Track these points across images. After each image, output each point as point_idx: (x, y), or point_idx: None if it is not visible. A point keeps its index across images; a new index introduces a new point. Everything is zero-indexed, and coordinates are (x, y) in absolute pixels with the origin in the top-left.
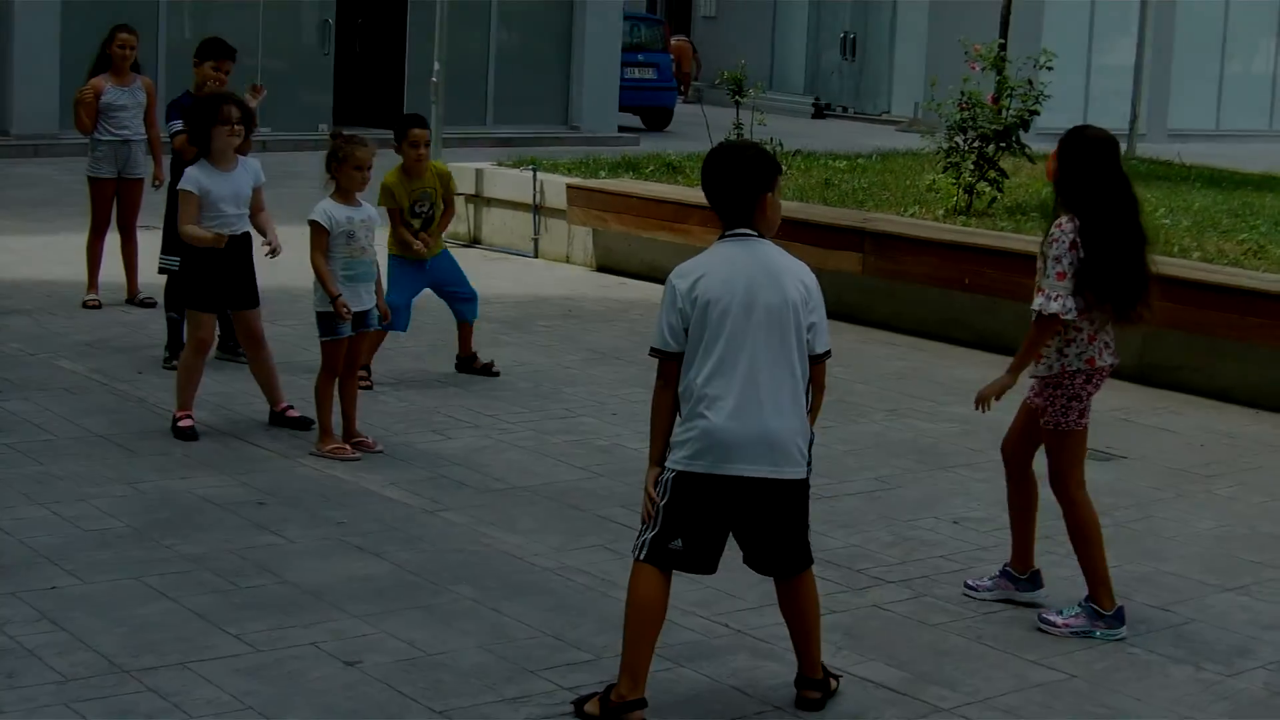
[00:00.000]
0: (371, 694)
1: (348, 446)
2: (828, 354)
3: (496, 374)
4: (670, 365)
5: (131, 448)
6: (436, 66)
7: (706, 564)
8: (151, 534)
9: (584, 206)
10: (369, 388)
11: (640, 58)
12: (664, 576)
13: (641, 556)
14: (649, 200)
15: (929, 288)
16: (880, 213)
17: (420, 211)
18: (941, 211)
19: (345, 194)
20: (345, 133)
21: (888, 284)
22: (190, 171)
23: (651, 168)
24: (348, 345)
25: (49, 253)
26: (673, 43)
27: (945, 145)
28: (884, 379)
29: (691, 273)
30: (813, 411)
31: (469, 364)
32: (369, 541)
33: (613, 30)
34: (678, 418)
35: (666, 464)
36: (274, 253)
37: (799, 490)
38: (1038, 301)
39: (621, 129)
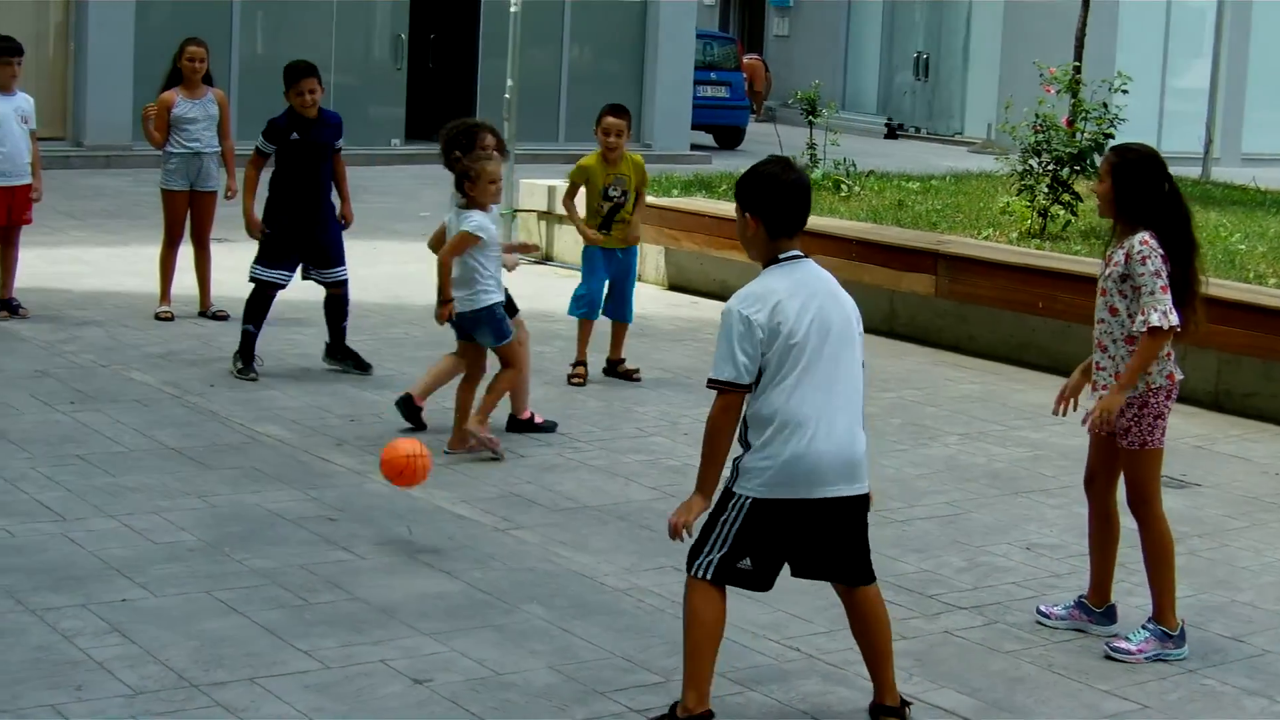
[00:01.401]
0: (441, 713)
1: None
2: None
3: (638, 379)
4: (738, 397)
5: (203, 461)
6: (510, 83)
7: (768, 582)
8: (222, 548)
9: (656, 225)
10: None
11: (713, 76)
12: (723, 593)
13: (708, 576)
14: (722, 219)
15: (1002, 311)
16: (954, 235)
17: (613, 195)
18: (1015, 234)
19: (484, 208)
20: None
21: (960, 306)
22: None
23: (724, 187)
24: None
25: (121, 264)
26: (745, 61)
27: (1019, 168)
28: (955, 402)
29: (765, 300)
30: None
31: (615, 368)
32: (439, 559)
33: (686, 48)
34: (749, 444)
35: (738, 489)
36: None
37: (866, 502)
38: (1154, 316)
39: (694, 147)
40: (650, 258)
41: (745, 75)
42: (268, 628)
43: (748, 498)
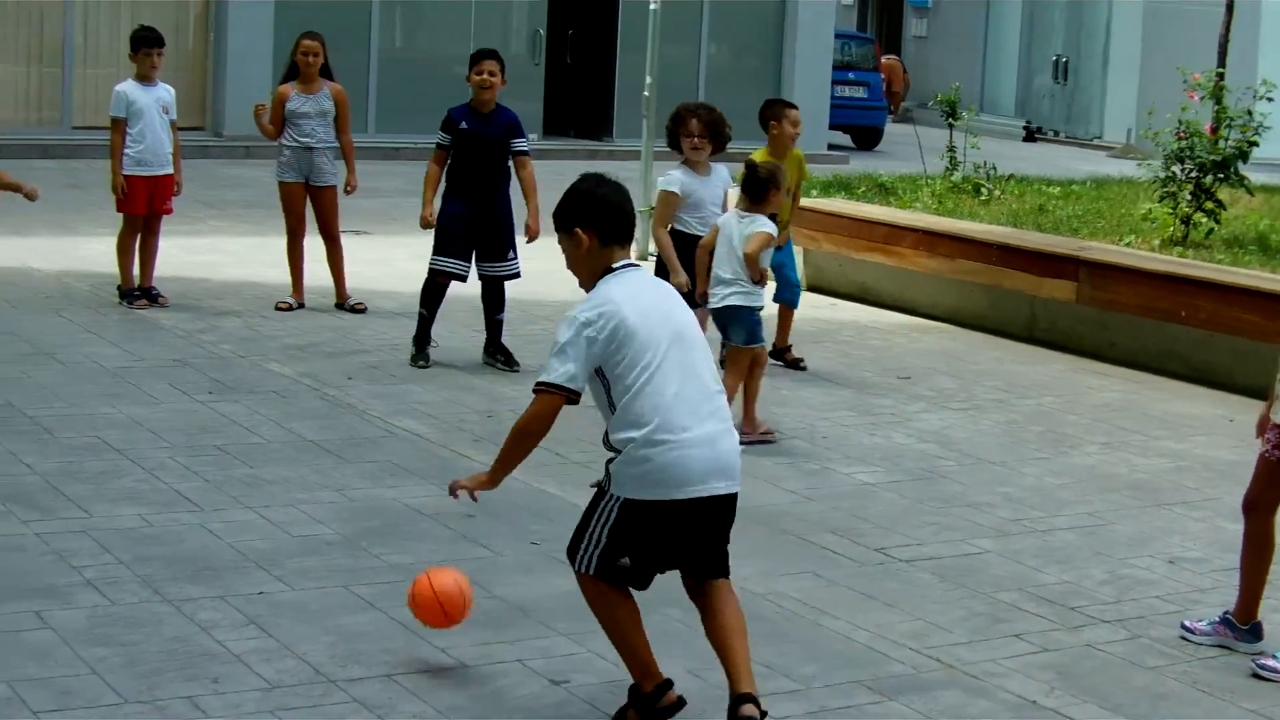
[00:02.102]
0: (578, 714)
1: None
2: None
3: (804, 368)
4: (559, 402)
5: (341, 454)
6: (649, 80)
7: (646, 581)
8: (360, 542)
9: (794, 225)
10: None
11: (851, 76)
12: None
13: (590, 571)
14: (861, 221)
15: (1143, 319)
16: (1095, 241)
17: None
18: (1157, 241)
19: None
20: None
21: (1101, 313)
22: (674, 175)
23: (864, 188)
24: None
25: (260, 254)
26: (883, 61)
27: (1162, 174)
28: (1096, 410)
29: (603, 308)
30: None
31: (782, 355)
32: None
33: (824, 48)
34: (614, 449)
35: (611, 490)
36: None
37: (735, 501)
38: None
39: (831, 147)
40: None
41: (883, 76)
42: (405, 624)
43: (617, 498)
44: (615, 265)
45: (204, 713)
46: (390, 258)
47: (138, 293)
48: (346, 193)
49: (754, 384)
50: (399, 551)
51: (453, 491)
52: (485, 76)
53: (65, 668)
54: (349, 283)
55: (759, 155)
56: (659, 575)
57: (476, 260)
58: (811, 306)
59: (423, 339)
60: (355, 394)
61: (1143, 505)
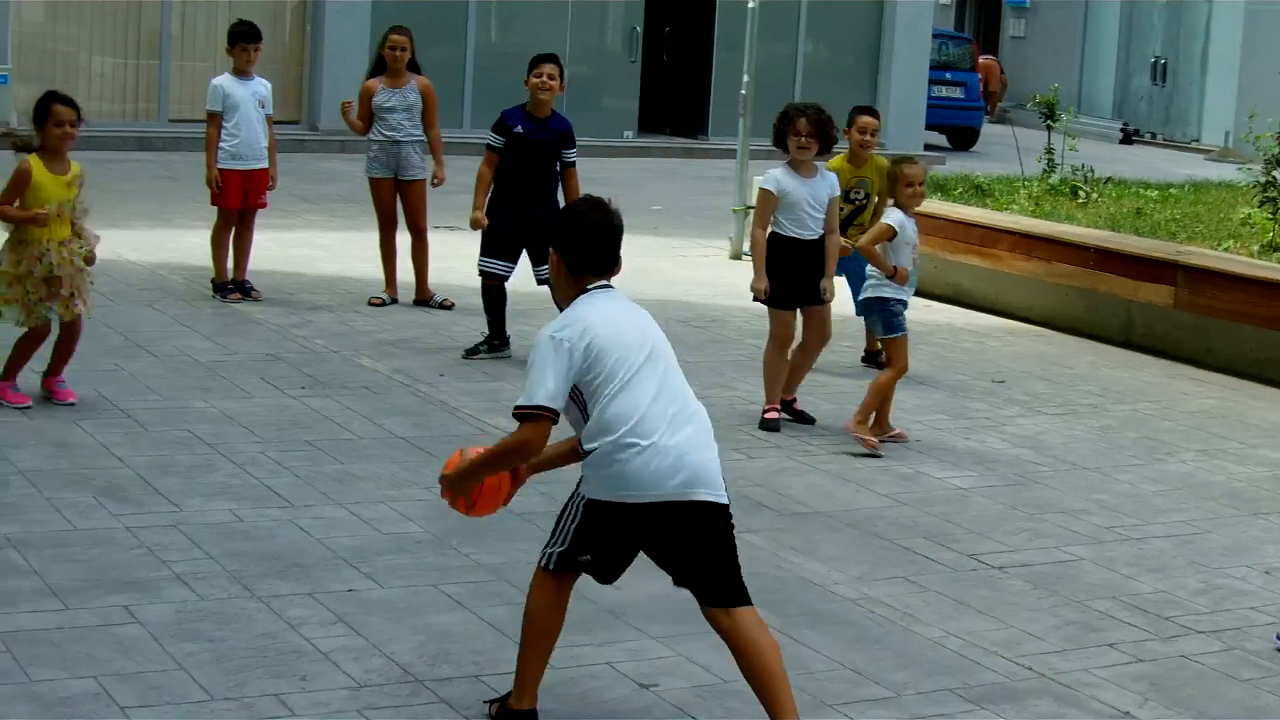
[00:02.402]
0: (664, 719)
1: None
2: None
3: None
4: (546, 424)
5: (432, 451)
6: (746, 79)
7: (611, 576)
8: (450, 541)
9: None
10: None
11: (948, 76)
12: (561, 587)
13: (550, 567)
14: (957, 223)
15: (1242, 325)
16: (1193, 245)
17: (855, 199)
18: (1256, 247)
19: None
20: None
21: (1199, 319)
22: (774, 174)
23: (960, 189)
24: None
25: (353, 249)
26: (980, 62)
27: (1262, 179)
28: (1193, 417)
29: (574, 326)
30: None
31: (875, 359)
32: None
33: (921, 47)
34: (586, 453)
35: (580, 491)
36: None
37: (720, 511)
38: None
39: (927, 147)
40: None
41: (980, 76)
42: (494, 624)
43: (584, 498)
44: (590, 287)
45: (291, 711)
46: (474, 255)
47: (231, 286)
48: (434, 185)
49: (884, 384)
50: (488, 551)
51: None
52: (545, 80)
53: (153, 663)
54: (441, 278)
55: (836, 162)
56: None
57: (534, 265)
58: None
59: (494, 339)
60: (447, 391)
61: (1239, 514)
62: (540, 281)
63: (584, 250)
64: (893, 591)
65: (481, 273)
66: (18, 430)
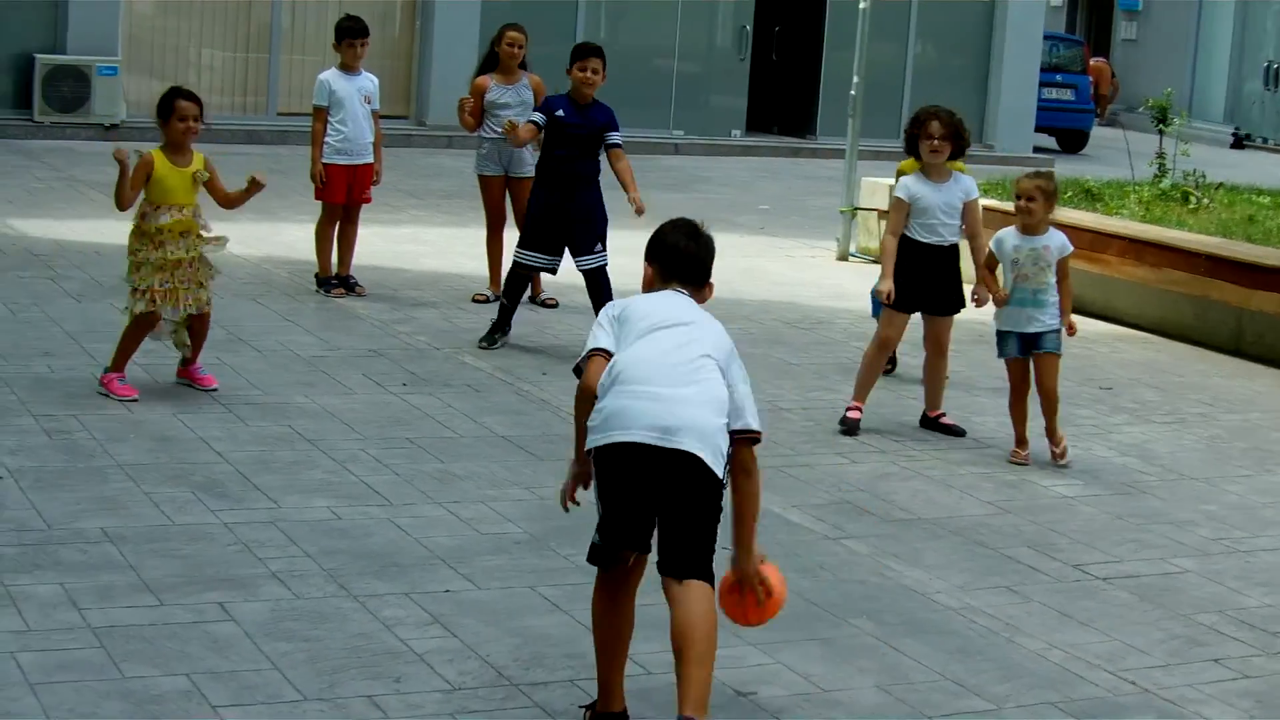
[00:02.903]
0: None
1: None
2: None
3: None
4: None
5: (533, 451)
6: (856, 80)
7: (612, 559)
8: (549, 542)
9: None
10: None
11: (1059, 78)
12: (608, 583)
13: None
14: (1066, 227)
15: None
16: None
17: None
18: None
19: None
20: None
21: None
22: (906, 180)
23: (1069, 194)
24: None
25: (459, 245)
26: (1091, 64)
27: None
28: None
29: (620, 303)
30: None
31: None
32: None
33: (1033, 49)
34: None
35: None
36: None
37: (688, 463)
38: None
39: (1036, 149)
40: None
41: (1091, 78)
42: (589, 628)
43: (589, 451)
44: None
45: (384, 713)
46: None
47: (334, 281)
48: None
49: (1042, 399)
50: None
51: (564, 502)
52: (589, 75)
53: (247, 662)
54: (542, 278)
55: (906, 165)
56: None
57: (573, 255)
58: None
59: (500, 325)
60: (550, 390)
61: None
62: (583, 270)
63: (674, 272)
64: (995, 601)
65: (517, 264)
66: (119, 423)
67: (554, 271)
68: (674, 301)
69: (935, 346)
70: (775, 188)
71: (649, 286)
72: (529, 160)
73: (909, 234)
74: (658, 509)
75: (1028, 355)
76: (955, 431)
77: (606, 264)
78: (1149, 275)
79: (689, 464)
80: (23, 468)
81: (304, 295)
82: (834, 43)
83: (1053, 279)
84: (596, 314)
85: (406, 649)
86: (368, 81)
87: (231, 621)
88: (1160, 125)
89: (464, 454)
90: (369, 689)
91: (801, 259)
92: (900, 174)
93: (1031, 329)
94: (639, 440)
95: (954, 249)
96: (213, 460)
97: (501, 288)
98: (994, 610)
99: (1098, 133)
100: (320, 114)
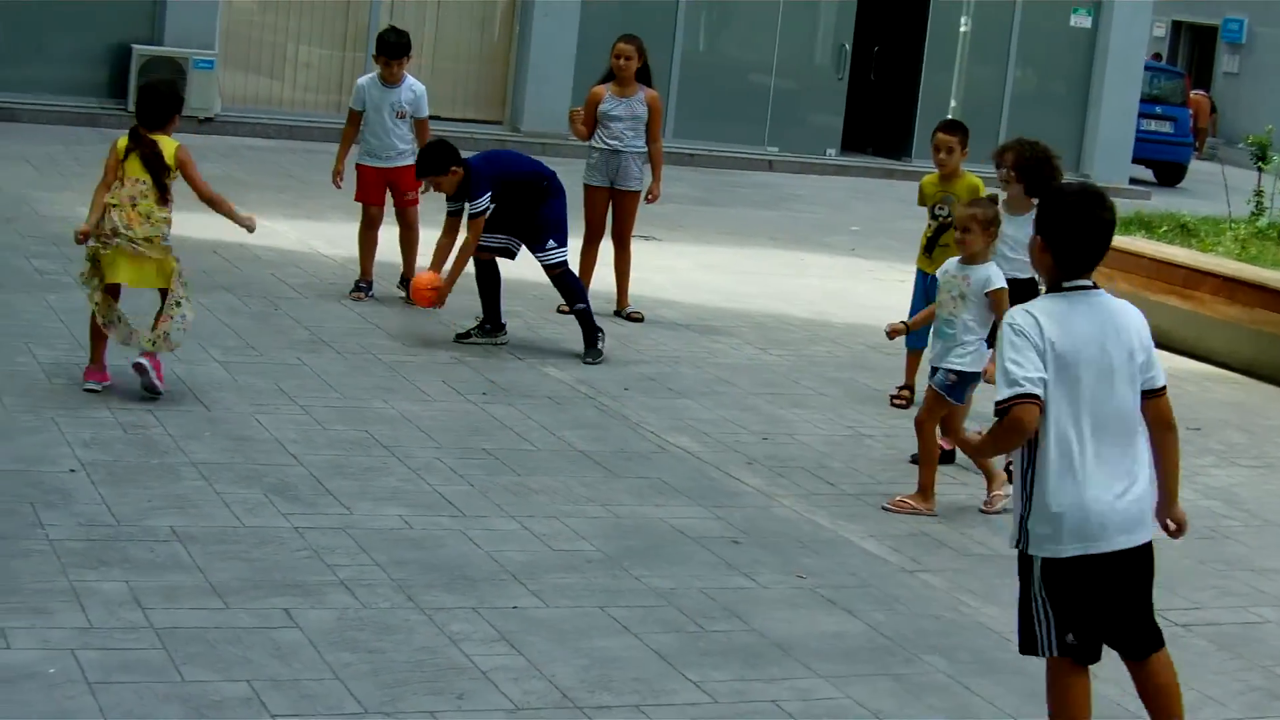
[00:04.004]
0: None
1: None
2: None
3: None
4: (1029, 408)
5: (610, 467)
6: (954, 104)
7: (1095, 653)
8: (621, 562)
9: None
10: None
11: (1158, 110)
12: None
13: (1054, 653)
14: (1160, 262)
15: None
16: None
17: (939, 214)
18: None
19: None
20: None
21: None
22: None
23: (1165, 228)
24: None
25: None
26: (1191, 96)
27: None
28: None
29: (1033, 316)
30: None
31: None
32: (843, 596)
33: (1133, 79)
34: (1027, 495)
35: (1032, 552)
36: None
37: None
38: None
39: (1133, 181)
40: None
41: (1190, 111)
42: (659, 652)
43: (1039, 558)
44: (1067, 285)
45: None
46: (675, 266)
47: (364, 284)
48: (648, 201)
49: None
50: (660, 575)
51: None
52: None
53: (309, 670)
54: (636, 288)
55: (928, 179)
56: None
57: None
58: None
59: (485, 321)
60: (630, 405)
61: None
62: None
63: (1069, 244)
64: None
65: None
66: (195, 420)
67: (511, 255)
68: (1089, 323)
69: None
70: (867, 209)
71: (1040, 264)
72: (635, 174)
73: None
74: (1126, 595)
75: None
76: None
77: (562, 261)
78: (1242, 315)
79: (1148, 549)
80: (96, 461)
81: (388, 298)
82: (933, 65)
83: (969, 315)
84: (570, 307)
85: (471, 665)
86: (408, 92)
87: (296, 628)
88: (1260, 162)
89: (540, 467)
90: (431, 705)
91: (891, 283)
92: (921, 190)
93: (935, 362)
94: (1115, 549)
95: (1023, 284)
96: (287, 462)
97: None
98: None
99: (1195, 166)
100: (353, 117)
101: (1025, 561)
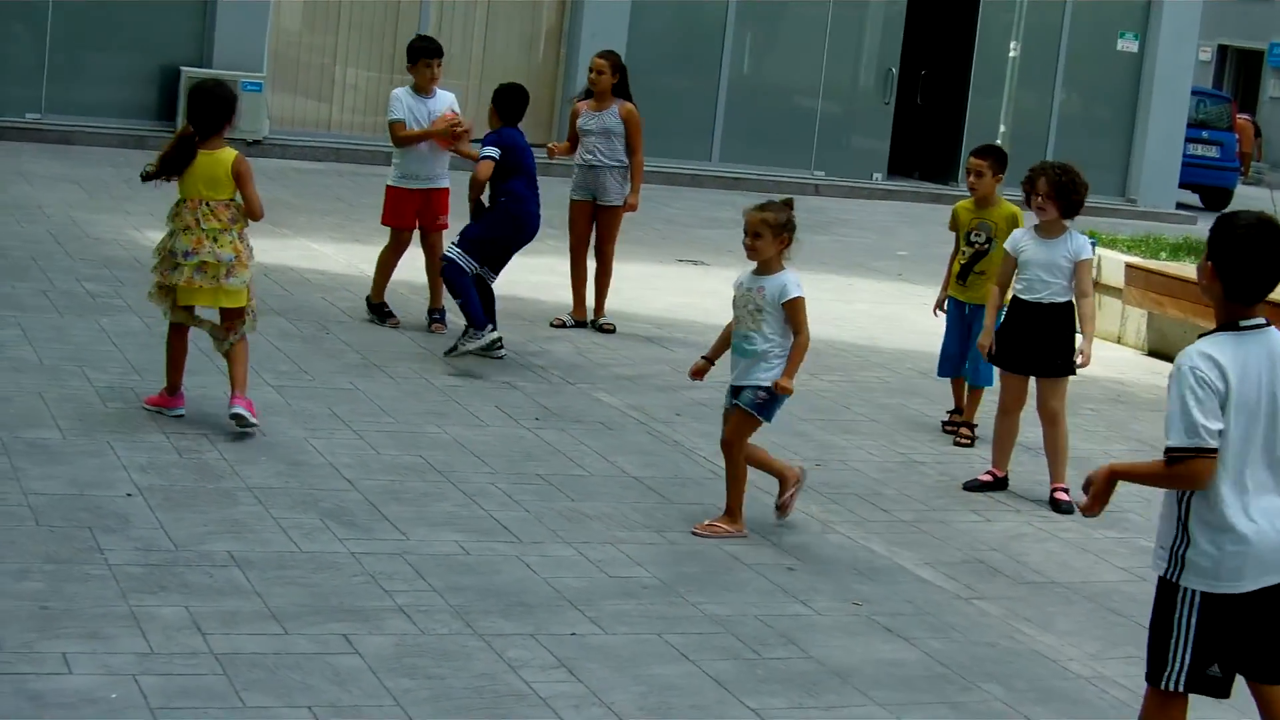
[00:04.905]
0: None
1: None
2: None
3: (969, 443)
4: (1205, 463)
5: (664, 493)
6: (1002, 129)
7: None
8: (678, 588)
9: (1141, 288)
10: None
11: (1204, 134)
12: (1185, 703)
13: (1178, 688)
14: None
15: None
16: None
17: (975, 241)
18: None
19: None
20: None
21: None
22: (1016, 233)
23: None
24: None
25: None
26: (1236, 121)
27: None
28: None
29: (1213, 360)
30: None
31: (957, 428)
32: (898, 624)
33: (1180, 104)
34: (1187, 530)
35: (1183, 583)
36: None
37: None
38: None
39: (1180, 205)
40: (1132, 321)
41: (1236, 135)
42: (717, 679)
43: (1195, 591)
44: (1244, 323)
45: None
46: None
47: (388, 309)
48: (625, 210)
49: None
50: (716, 601)
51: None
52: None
53: (369, 697)
54: (684, 313)
55: (962, 204)
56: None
57: None
58: (1152, 373)
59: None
60: (683, 431)
61: None
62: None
63: (1243, 273)
64: (1129, 671)
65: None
66: (250, 445)
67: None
68: (1266, 364)
69: (1045, 414)
70: (914, 234)
71: (1209, 292)
72: (615, 189)
73: (1016, 291)
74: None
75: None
76: (1062, 509)
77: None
78: None
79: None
80: (152, 485)
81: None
82: (980, 89)
83: (770, 328)
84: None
85: (531, 691)
86: (442, 104)
87: (355, 654)
88: None
89: (595, 493)
90: None
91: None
92: (954, 214)
93: (736, 380)
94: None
95: (1058, 308)
96: (343, 488)
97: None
98: (1127, 681)
99: (1242, 191)
100: (399, 126)
101: (1170, 590)
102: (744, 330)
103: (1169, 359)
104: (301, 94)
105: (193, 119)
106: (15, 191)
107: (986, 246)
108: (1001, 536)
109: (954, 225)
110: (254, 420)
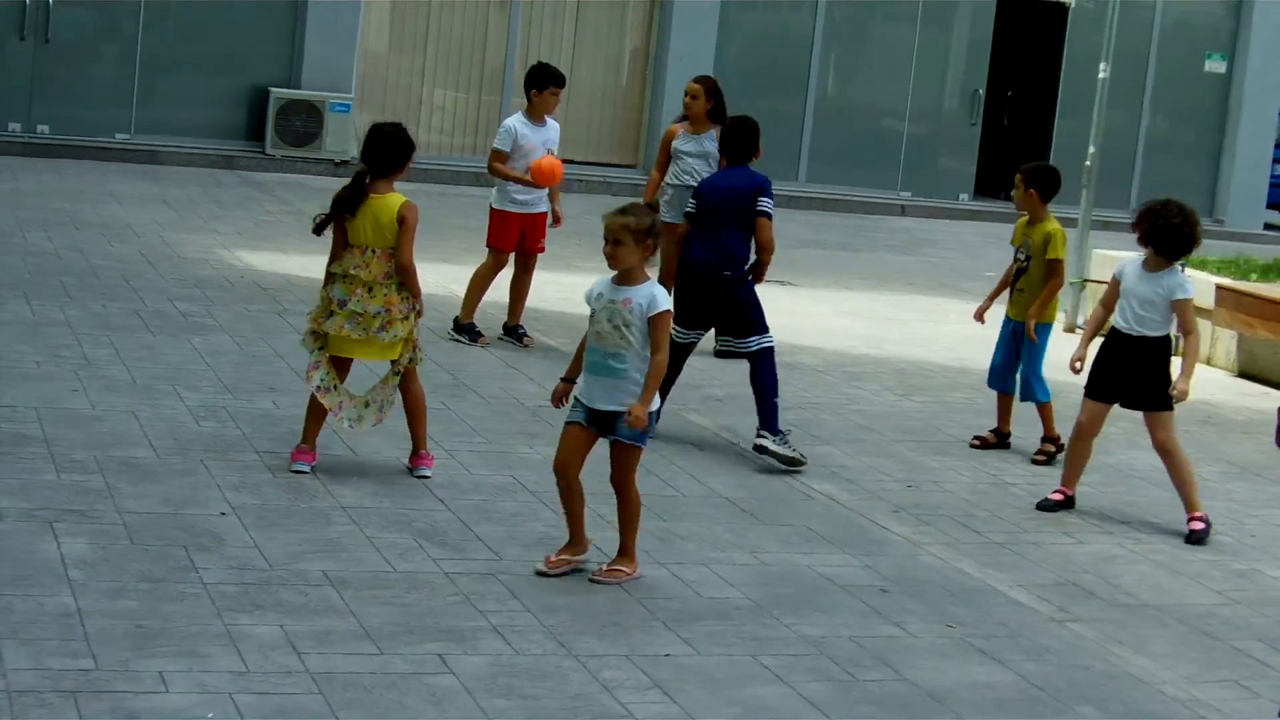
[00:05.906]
0: None
1: None
2: None
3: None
4: None
5: (756, 514)
6: (1091, 150)
7: None
8: (771, 609)
9: (1231, 309)
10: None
11: None
12: None
13: None
14: None
15: None
16: None
17: (1018, 258)
18: None
19: None
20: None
21: None
22: (1124, 258)
23: None
24: None
25: None
26: None
27: None
28: None
29: None
30: None
31: (1003, 440)
32: (992, 646)
33: (1267, 126)
34: None
35: None
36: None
37: None
38: None
39: (1267, 226)
40: (1222, 342)
41: None
42: (812, 700)
43: None
44: None
45: None
46: (814, 311)
47: (479, 330)
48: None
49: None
50: (809, 623)
51: None
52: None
53: (465, 716)
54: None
55: (1019, 221)
56: None
57: None
58: (1242, 394)
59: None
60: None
61: None
62: None
63: None
64: (1223, 695)
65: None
66: (343, 465)
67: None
68: None
69: (1156, 449)
70: (1002, 255)
71: None
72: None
73: (1112, 320)
74: None
75: (603, 435)
76: (1191, 539)
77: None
78: None
79: None
80: (246, 505)
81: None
82: (1066, 110)
83: (639, 343)
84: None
85: (626, 712)
86: (553, 131)
87: (450, 674)
88: None
89: (686, 514)
90: None
91: None
92: (1014, 230)
93: (600, 404)
94: None
95: (1152, 342)
96: (435, 507)
97: None
98: (1221, 705)
99: None
100: (500, 156)
101: None
102: (607, 347)
103: (1259, 381)
104: (389, 115)
105: (368, 158)
106: (106, 212)
107: (1025, 264)
108: (1094, 558)
109: (1012, 241)
110: (429, 473)
